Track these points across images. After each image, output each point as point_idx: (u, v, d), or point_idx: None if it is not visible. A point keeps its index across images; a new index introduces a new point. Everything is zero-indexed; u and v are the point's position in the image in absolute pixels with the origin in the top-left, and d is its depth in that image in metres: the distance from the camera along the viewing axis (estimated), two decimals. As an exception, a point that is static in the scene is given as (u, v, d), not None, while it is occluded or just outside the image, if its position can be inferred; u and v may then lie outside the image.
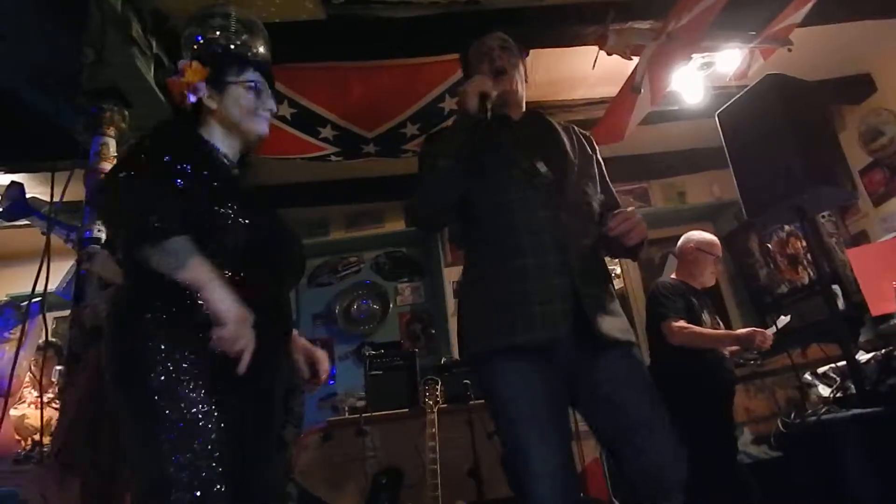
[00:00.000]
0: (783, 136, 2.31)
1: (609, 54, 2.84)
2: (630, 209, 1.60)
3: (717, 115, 2.70)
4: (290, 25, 2.76)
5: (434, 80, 3.04)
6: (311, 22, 2.78)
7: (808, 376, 2.66)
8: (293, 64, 2.87)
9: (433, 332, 4.79)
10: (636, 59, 2.93)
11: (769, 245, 4.22)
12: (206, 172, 1.31)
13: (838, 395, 2.42)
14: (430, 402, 2.97)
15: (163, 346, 1.14)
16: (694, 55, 3.10)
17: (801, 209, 2.39)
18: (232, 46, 1.58)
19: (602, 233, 1.62)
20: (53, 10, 1.81)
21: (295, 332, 1.45)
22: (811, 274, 3.92)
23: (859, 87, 3.95)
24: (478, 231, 1.66)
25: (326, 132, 3.18)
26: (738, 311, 4.61)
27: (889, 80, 3.82)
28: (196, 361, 1.15)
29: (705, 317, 2.82)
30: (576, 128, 1.84)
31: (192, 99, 1.41)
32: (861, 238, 3.95)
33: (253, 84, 1.46)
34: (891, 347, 2.28)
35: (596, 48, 2.87)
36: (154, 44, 2.58)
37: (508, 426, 1.50)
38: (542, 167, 1.62)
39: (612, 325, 1.54)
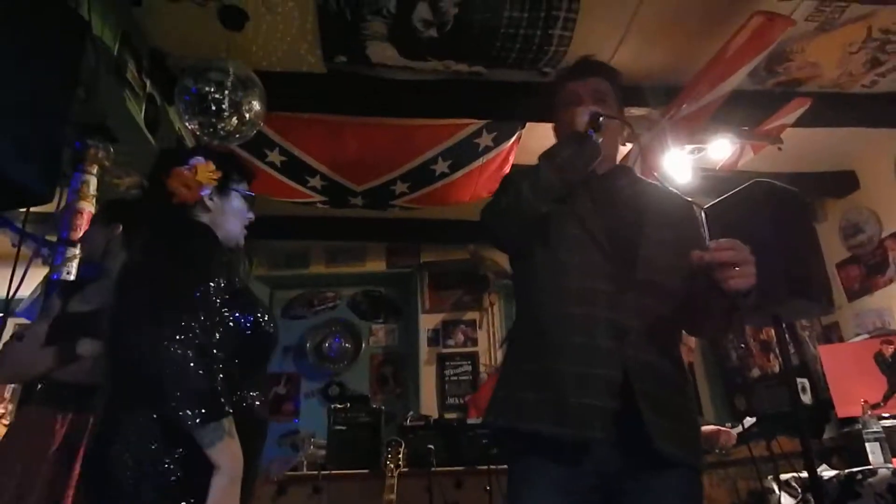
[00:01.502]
0: (766, 246, 2.29)
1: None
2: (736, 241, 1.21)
3: (704, 210, 2.71)
4: (289, 75, 2.75)
5: (429, 143, 3.03)
6: (311, 74, 2.77)
7: (770, 481, 2.66)
8: (289, 113, 2.84)
9: (403, 377, 4.74)
10: (629, 145, 2.96)
11: (744, 328, 4.26)
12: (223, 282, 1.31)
13: (799, 507, 2.43)
14: (392, 465, 2.91)
15: None
16: (687, 144, 3.14)
17: (777, 317, 2.42)
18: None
19: (676, 284, 1.33)
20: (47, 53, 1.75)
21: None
22: (781, 363, 3.95)
23: (843, 182, 4.02)
24: (531, 284, 1.42)
25: (315, 182, 3.15)
26: (708, 386, 4.62)
27: (872, 180, 3.90)
28: None
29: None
30: (675, 191, 1.53)
31: (189, 197, 1.39)
32: (832, 330, 4.00)
33: (250, 194, 1.51)
34: (854, 470, 2.30)
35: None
36: (148, 84, 2.54)
37: None
38: (613, 234, 1.36)
39: (674, 436, 1.23)
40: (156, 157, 1.50)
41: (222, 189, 1.45)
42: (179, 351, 1.12)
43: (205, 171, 1.40)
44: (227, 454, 1.15)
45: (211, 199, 1.42)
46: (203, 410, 1.11)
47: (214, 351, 1.19)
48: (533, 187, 1.33)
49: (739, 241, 1.19)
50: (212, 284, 1.25)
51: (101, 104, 2.37)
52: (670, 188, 1.52)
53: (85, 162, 2.40)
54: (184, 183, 1.38)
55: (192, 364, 1.12)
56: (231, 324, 1.28)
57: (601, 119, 1.34)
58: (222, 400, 1.14)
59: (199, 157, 1.42)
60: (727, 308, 1.27)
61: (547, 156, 1.37)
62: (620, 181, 1.51)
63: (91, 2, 1.97)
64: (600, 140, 1.35)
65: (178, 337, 1.13)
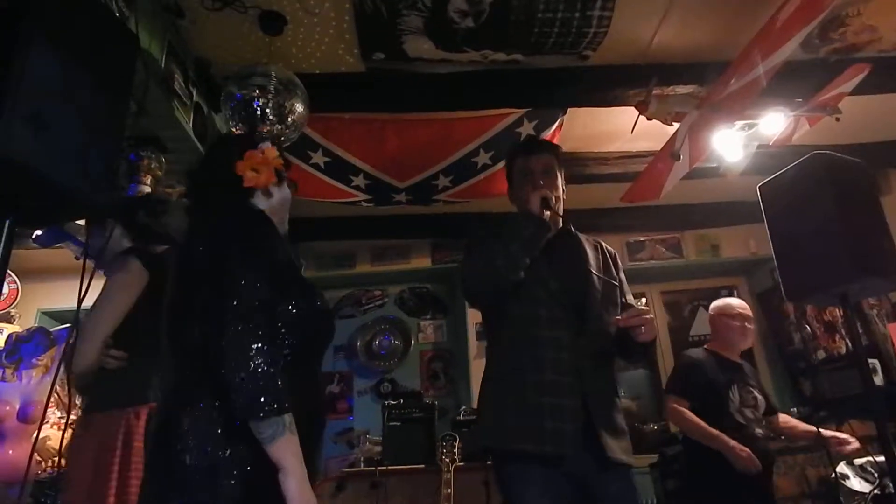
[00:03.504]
0: (830, 222, 2.21)
1: (649, 119, 2.79)
2: (644, 308, 1.76)
3: (759, 188, 2.60)
4: (329, 76, 2.78)
5: (469, 135, 3.02)
6: (350, 74, 2.79)
7: (844, 466, 2.55)
8: (330, 114, 2.87)
9: (453, 372, 4.74)
10: (676, 125, 2.86)
11: (806, 309, 4.09)
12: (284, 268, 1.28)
13: (876, 492, 2.32)
14: (447, 460, 2.92)
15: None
16: (737, 121, 3.02)
17: (845, 296, 2.30)
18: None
19: (612, 329, 1.77)
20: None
21: None
22: (849, 344, 3.78)
23: (907, 151, 3.82)
24: (506, 333, 1.79)
25: (359, 181, 3.18)
26: (769, 371, 4.46)
27: (939, 147, 3.69)
28: None
29: (733, 394, 2.69)
30: (603, 245, 1.97)
31: (260, 182, 1.34)
32: (903, 307, 3.80)
33: (295, 187, 1.49)
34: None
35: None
36: (194, 93, 2.60)
37: None
38: (567, 292, 1.76)
39: (619, 446, 1.68)
40: (218, 141, 1.48)
41: (280, 177, 1.40)
42: (245, 341, 1.09)
43: (273, 154, 1.35)
44: (289, 451, 1.10)
45: (275, 186, 1.37)
46: (264, 403, 1.07)
47: (283, 338, 1.17)
48: (505, 264, 1.68)
49: (646, 308, 1.72)
50: (280, 272, 1.22)
51: (151, 116, 2.45)
52: (599, 242, 1.97)
53: (139, 173, 2.48)
54: (255, 167, 1.32)
55: (257, 354, 1.08)
56: (294, 310, 1.23)
57: (548, 204, 1.74)
58: (283, 393, 1.09)
59: (267, 142, 1.37)
60: (641, 348, 1.75)
61: (510, 236, 1.71)
62: (565, 243, 1.89)
63: (138, 16, 2.02)
64: (548, 216, 1.76)
65: (244, 327, 1.10)
